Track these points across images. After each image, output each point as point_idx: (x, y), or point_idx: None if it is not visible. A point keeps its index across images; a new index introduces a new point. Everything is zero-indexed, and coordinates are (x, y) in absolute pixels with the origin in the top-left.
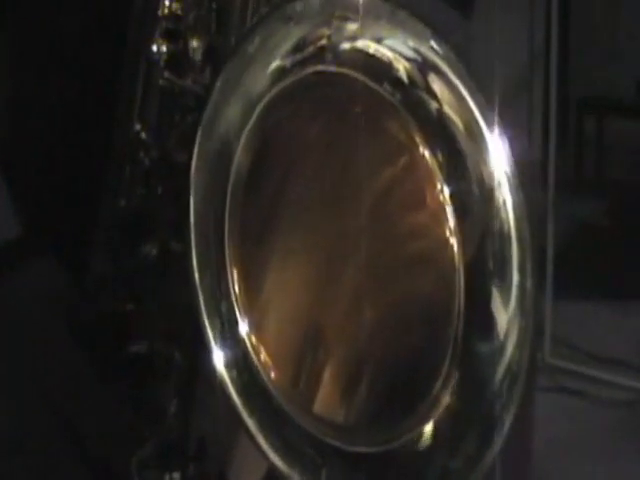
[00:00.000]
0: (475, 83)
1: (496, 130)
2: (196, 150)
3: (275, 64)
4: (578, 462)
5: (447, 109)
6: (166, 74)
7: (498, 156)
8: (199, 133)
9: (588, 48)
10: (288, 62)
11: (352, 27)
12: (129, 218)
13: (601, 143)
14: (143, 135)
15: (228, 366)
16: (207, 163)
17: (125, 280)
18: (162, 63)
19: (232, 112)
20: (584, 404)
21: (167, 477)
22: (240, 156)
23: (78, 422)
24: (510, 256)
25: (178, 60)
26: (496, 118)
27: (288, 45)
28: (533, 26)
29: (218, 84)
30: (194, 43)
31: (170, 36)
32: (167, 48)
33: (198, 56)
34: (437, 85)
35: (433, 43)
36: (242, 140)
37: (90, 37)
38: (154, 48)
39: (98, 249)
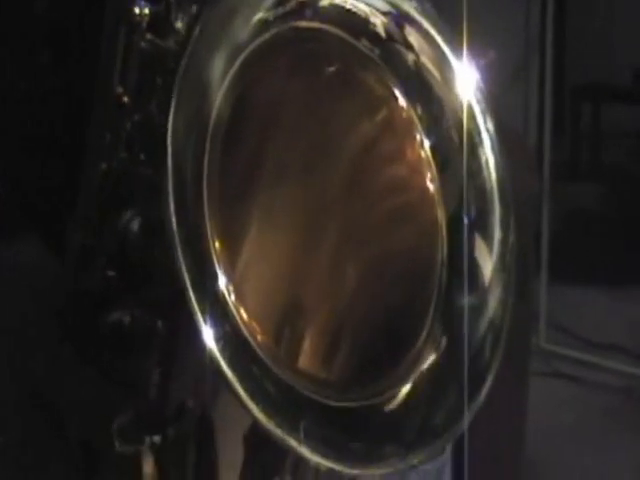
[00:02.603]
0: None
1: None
2: (174, 103)
3: (258, 16)
4: (573, 447)
5: (424, 60)
6: (148, 36)
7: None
8: (177, 84)
9: (584, 35)
10: (271, 15)
11: None
12: (110, 183)
13: (598, 130)
14: (125, 98)
15: (211, 326)
16: (186, 117)
17: (106, 248)
18: (144, 25)
19: (212, 64)
20: (579, 389)
21: (147, 440)
22: (219, 110)
23: (57, 391)
24: (492, 211)
25: (160, 21)
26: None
27: None
28: (529, 12)
29: (196, 34)
30: (176, 3)
31: None
32: (149, 9)
33: (180, 17)
34: (413, 37)
35: None
36: (221, 93)
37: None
38: (135, 9)
39: (79, 216)
